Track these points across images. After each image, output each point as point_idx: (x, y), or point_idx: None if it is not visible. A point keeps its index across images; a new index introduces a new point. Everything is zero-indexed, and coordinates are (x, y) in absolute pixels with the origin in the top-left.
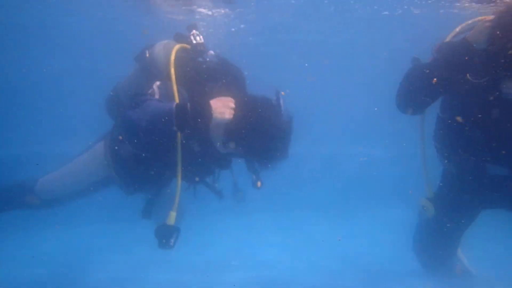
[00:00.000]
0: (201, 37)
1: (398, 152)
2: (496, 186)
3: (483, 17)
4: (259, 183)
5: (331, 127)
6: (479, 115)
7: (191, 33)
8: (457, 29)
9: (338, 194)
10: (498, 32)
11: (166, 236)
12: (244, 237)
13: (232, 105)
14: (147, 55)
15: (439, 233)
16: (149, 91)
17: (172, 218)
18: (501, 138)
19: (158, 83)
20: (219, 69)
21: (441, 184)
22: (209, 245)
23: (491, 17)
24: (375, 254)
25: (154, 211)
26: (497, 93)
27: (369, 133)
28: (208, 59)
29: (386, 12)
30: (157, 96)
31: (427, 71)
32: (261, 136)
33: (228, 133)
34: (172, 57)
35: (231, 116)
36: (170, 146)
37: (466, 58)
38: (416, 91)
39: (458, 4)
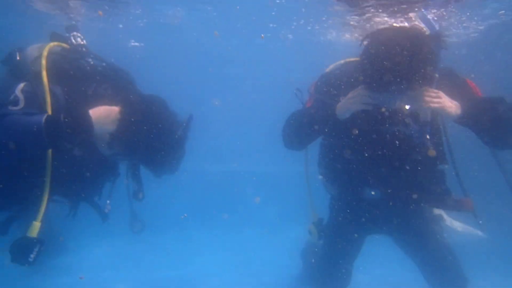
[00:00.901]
0: (82, 38)
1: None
2: (372, 209)
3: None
4: (140, 195)
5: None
6: (355, 140)
7: (71, 34)
8: (342, 61)
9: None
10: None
11: (24, 249)
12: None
13: (117, 114)
14: (18, 57)
15: (325, 258)
16: (11, 98)
17: (34, 229)
18: (373, 161)
19: (21, 85)
20: (105, 72)
21: (329, 210)
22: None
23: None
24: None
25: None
26: (373, 120)
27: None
28: (92, 62)
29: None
30: (21, 104)
31: (306, 119)
32: (151, 139)
33: (115, 137)
34: (45, 52)
35: (116, 126)
36: (38, 161)
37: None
38: (298, 135)
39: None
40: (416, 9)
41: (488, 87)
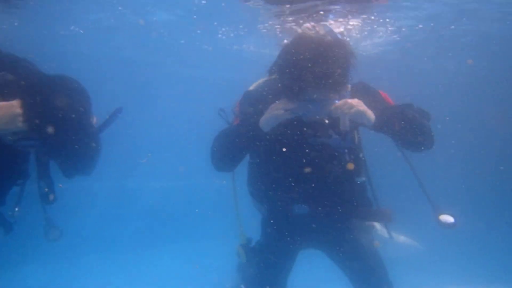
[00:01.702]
0: None
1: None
2: (301, 224)
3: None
4: (51, 196)
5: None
6: (280, 155)
7: None
8: (265, 78)
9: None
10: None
11: None
12: None
13: (18, 109)
14: None
15: (258, 277)
16: None
17: None
18: (298, 176)
19: None
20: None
21: (261, 229)
22: None
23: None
24: None
25: None
26: (296, 133)
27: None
28: None
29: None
30: None
31: (233, 137)
32: (62, 130)
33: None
34: None
35: (22, 124)
36: None
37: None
38: (226, 154)
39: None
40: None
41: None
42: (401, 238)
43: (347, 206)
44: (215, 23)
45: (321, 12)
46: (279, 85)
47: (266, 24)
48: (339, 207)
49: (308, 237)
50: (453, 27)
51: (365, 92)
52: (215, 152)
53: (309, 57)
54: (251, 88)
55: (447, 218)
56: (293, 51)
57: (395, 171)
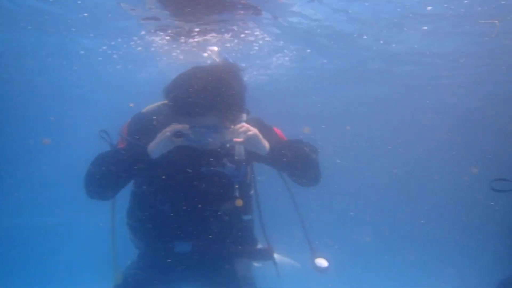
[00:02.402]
0: None
1: None
2: (181, 263)
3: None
4: None
5: None
6: (167, 185)
7: None
8: (159, 103)
9: None
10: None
11: None
12: None
13: None
14: None
15: None
16: None
17: None
18: (187, 210)
19: None
20: None
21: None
22: None
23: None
24: None
25: None
26: (187, 161)
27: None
28: None
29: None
30: None
31: (115, 161)
32: None
33: None
34: None
35: None
36: None
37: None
38: (105, 180)
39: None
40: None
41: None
42: (285, 260)
43: (232, 245)
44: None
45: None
46: (171, 110)
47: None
48: (223, 246)
49: (187, 275)
50: None
51: (259, 126)
52: (91, 176)
53: (200, 83)
54: (143, 110)
55: (322, 262)
56: (184, 77)
57: (285, 210)
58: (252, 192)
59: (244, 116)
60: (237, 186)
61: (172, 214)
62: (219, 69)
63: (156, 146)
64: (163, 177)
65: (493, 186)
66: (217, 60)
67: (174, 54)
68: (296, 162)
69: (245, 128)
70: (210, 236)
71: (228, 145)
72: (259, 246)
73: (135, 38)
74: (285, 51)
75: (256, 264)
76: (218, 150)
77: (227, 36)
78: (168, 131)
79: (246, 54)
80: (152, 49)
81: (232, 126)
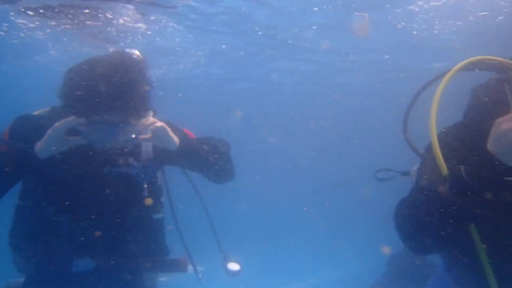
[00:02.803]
0: None
1: None
2: (82, 285)
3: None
4: None
5: None
6: (61, 191)
7: None
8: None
9: None
10: None
11: None
12: None
13: None
14: None
15: None
16: None
17: None
18: (85, 222)
19: None
20: None
21: None
22: None
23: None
24: None
25: None
26: (86, 162)
27: None
28: None
29: None
30: None
31: None
32: None
33: None
34: None
35: None
36: None
37: None
38: None
39: None
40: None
41: None
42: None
43: (141, 257)
44: None
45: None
46: (67, 109)
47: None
48: (132, 259)
49: None
50: None
51: (168, 126)
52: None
53: (101, 75)
54: (36, 112)
55: (234, 266)
56: (80, 69)
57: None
58: (163, 198)
59: (151, 113)
60: (146, 186)
61: (68, 227)
62: (120, 59)
63: (46, 145)
64: (55, 181)
65: (377, 175)
66: (113, 51)
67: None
68: (209, 157)
69: (152, 122)
70: (117, 249)
71: (133, 142)
72: (172, 256)
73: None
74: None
75: (163, 279)
76: (122, 148)
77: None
78: (59, 126)
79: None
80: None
81: (138, 122)
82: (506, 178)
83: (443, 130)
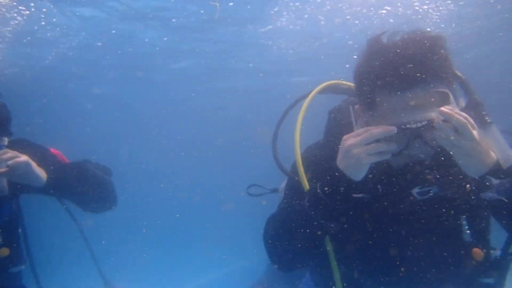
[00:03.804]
0: None
1: None
2: None
3: None
4: None
5: None
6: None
7: None
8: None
9: None
10: None
11: None
12: None
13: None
14: None
15: None
16: None
17: None
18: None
19: None
20: None
21: None
22: None
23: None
24: None
25: None
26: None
27: None
28: None
29: None
30: None
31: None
32: None
33: None
34: None
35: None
36: None
37: None
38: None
39: None
40: None
41: None
42: None
43: None
44: None
45: None
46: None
47: None
48: None
49: None
50: None
51: (29, 148)
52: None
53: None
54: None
55: None
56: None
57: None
58: (20, 231)
59: (5, 140)
60: None
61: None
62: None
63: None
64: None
65: (249, 191)
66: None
67: None
68: (87, 187)
69: (10, 156)
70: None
71: None
72: None
73: None
74: None
75: None
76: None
77: None
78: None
79: None
80: None
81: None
82: (354, 195)
83: (307, 148)
